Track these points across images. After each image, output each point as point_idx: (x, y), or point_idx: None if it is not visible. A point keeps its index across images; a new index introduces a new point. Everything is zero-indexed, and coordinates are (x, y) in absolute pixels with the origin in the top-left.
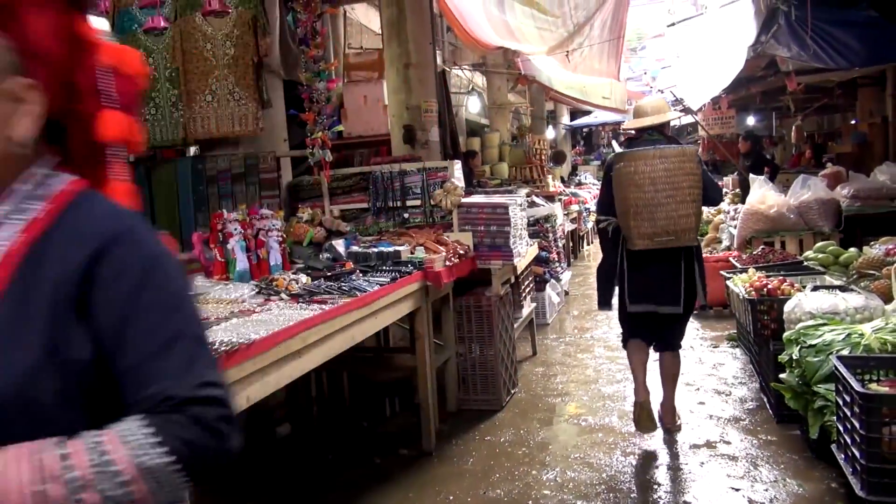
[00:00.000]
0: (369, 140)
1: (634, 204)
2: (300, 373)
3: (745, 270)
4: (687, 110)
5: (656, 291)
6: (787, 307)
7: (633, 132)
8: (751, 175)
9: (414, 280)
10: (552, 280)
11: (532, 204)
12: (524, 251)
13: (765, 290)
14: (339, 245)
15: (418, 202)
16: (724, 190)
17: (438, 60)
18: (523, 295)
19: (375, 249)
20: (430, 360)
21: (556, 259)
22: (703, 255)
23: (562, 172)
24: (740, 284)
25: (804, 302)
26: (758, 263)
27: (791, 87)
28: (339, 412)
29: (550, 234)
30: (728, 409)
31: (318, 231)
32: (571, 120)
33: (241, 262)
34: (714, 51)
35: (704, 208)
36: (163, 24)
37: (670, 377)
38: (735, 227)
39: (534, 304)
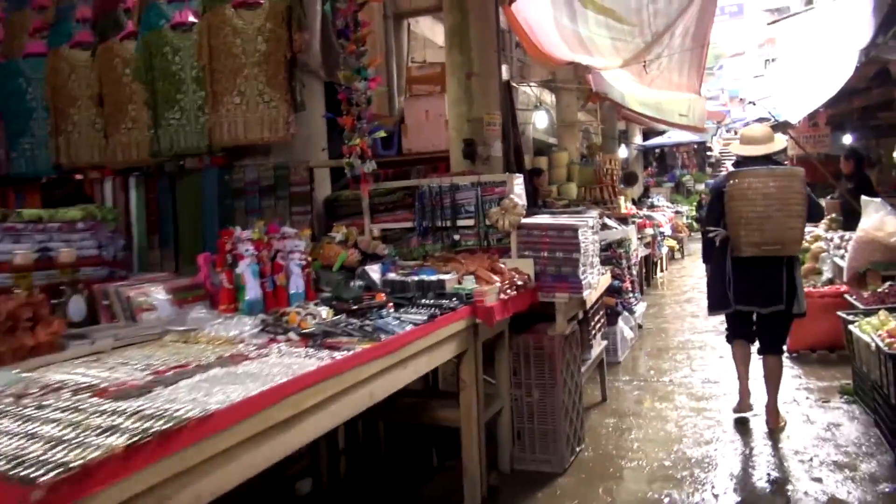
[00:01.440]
0: (429, 156)
1: (745, 216)
2: (288, 450)
3: (871, 312)
4: (779, 127)
5: (760, 294)
6: None
7: (741, 157)
8: (863, 197)
9: (460, 317)
10: (625, 312)
11: (604, 226)
12: (595, 281)
13: None
14: (374, 271)
15: (471, 222)
16: None
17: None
18: (593, 332)
19: (416, 278)
20: (477, 413)
21: (630, 289)
22: (807, 290)
23: (633, 194)
24: (871, 331)
25: None
26: (885, 303)
27: None
28: (372, 465)
29: (624, 261)
30: (856, 491)
31: (352, 254)
32: (644, 140)
33: (252, 290)
34: (818, 55)
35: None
36: (191, 18)
37: (773, 379)
38: (842, 256)
39: (604, 342)
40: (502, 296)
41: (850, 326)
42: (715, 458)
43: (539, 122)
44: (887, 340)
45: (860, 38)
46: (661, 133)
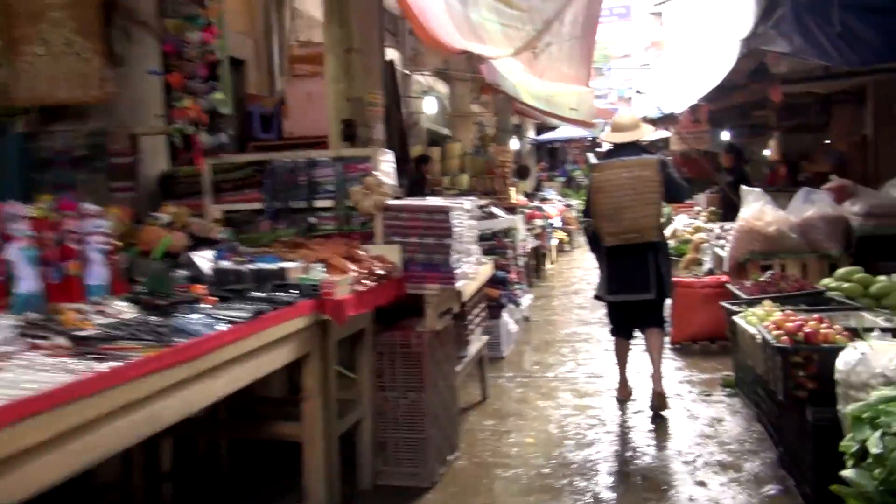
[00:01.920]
0: (313, 140)
1: (603, 207)
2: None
3: (755, 302)
4: (664, 120)
5: (631, 283)
6: (843, 363)
7: (612, 146)
8: (743, 187)
9: (299, 313)
10: (510, 305)
11: (490, 215)
12: (473, 271)
13: (800, 334)
14: (204, 259)
15: (331, 203)
16: (697, 208)
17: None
18: (471, 327)
19: (253, 266)
20: (324, 426)
21: (516, 280)
22: (689, 279)
23: (526, 187)
24: (756, 323)
25: (873, 358)
26: (767, 293)
27: (776, 97)
28: (209, 487)
29: (510, 251)
30: (741, 495)
31: (179, 238)
32: (537, 134)
33: (27, 281)
34: (702, 45)
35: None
36: None
37: (655, 349)
38: (722, 247)
39: (486, 337)
40: (358, 287)
41: (735, 318)
42: (596, 464)
43: (428, 108)
44: (775, 332)
45: (742, 28)
46: (554, 128)
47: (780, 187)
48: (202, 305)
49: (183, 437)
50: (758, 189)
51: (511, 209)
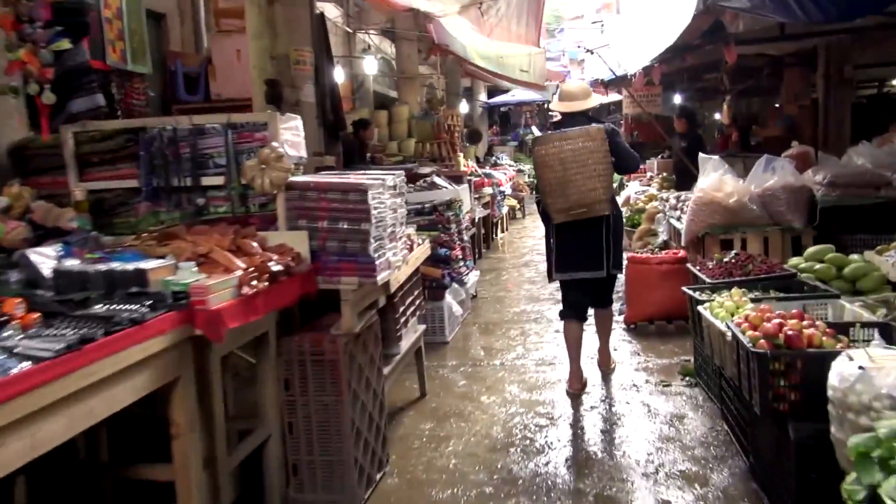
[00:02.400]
0: (242, 103)
1: (549, 183)
2: None
3: (719, 287)
4: (616, 82)
5: (582, 260)
6: (838, 378)
7: (559, 116)
8: (701, 155)
9: (154, 332)
10: (454, 285)
11: (431, 186)
12: (400, 258)
13: (781, 336)
14: (42, 257)
15: (222, 180)
16: (649, 174)
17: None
18: (404, 320)
19: (104, 268)
20: (202, 468)
21: (461, 257)
22: (644, 255)
23: (477, 152)
24: (726, 317)
25: (876, 375)
26: (733, 276)
27: (730, 58)
28: None
29: (453, 226)
30: None
31: (15, 228)
32: (489, 98)
33: None
34: (658, 2)
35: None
36: None
37: (604, 329)
38: (678, 218)
39: (422, 327)
40: (245, 290)
41: (700, 308)
42: (546, 478)
43: (369, 67)
44: (750, 333)
45: None
46: (506, 91)
47: (732, 152)
48: (11, 326)
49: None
50: (716, 157)
51: (458, 178)
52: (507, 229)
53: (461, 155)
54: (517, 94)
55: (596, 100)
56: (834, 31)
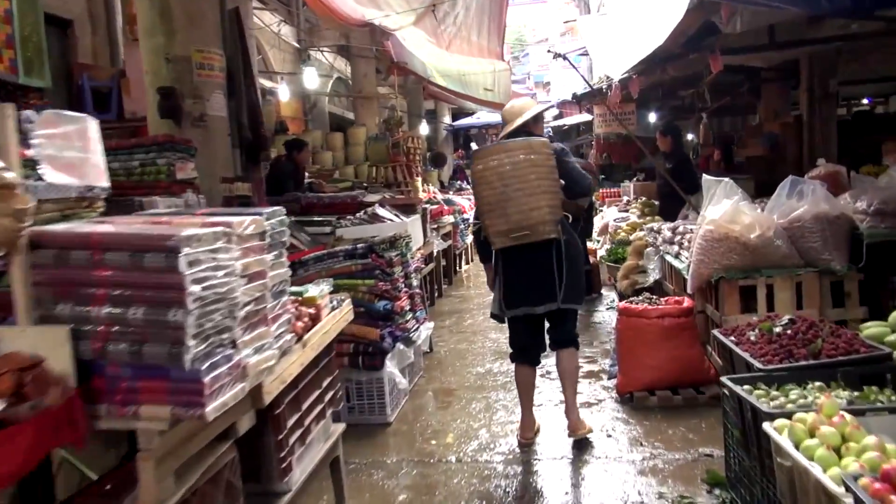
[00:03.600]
0: None
1: (487, 202)
2: None
3: (779, 380)
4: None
5: (530, 292)
6: None
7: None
8: (705, 176)
9: None
10: (399, 346)
11: (373, 218)
12: (277, 350)
13: None
14: None
15: None
16: (625, 198)
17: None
18: (297, 439)
19: None
20: None
21: (408, 308)
22: (640, 306)
23: (442, 176)
24: (828, 458)
25: None
26: (794, 358)
27: (715, 67)
28: None
29: (397, 269)
30: None
31: None
32: (454, 120)
33: None
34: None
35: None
36: None
37: (570, 378)
38: (676, 254)
39: (340, 426)
40: None
41: (771, 431)
42: None
43: (309, 81)
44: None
45: None
46: (471, 114)
47: (716, 173)
48: None
49: None
50: (726, 180)
51: (409, 207)
52: (472, 260)
53: (419, 180)
54: (482, 117)
55: (535, 108)
56: (826, 38)
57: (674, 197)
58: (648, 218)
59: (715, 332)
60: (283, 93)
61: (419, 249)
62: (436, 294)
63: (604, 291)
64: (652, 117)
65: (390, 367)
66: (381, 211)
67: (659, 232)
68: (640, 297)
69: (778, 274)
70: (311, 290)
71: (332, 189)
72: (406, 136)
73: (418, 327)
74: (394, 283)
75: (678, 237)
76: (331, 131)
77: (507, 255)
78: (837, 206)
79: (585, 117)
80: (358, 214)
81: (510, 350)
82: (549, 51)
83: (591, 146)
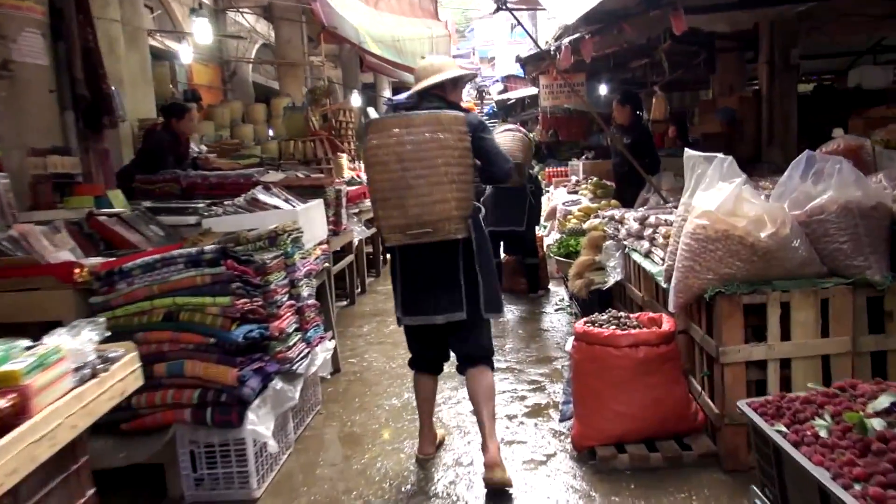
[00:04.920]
0: None
1: (381, 188)
2: None
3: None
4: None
5: (431, 299)
6: None
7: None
8: (688, 151)
9: None
10: (278, 384)
11: (252, 204)
12: None
13: None
14: None
15: None
16: (574, 178)
17: None
18: None
19: None
20: None
21: (294, 328)
22: (604, 331)
23: None
24: None
25: None
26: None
27: (678, 28)
28: None
29: (275, 276)
30: None
31: None
32: (394, 94)
33: None
34: None
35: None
36: None
37: (483, 397)
38: (646, 252)
39: None
40: None
41: None
42: None
43: (200, 34)
44: None
45: None
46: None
47: (673, 150)
48: None
49: None
50: (723, 157)
51: (318, 188)
52: None
53: (344, 157)
54: None
55: (456, 71)
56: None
57: (632, 177)
58: (604, 202)
59: (745, 409)
60: (185, 54)
61: (320, 245)
62: (356, 290)
63: (552, 286)
64: (603, 90)
65: (255, 420)
66: (263, 196)
67: (621, 222)
68: (605, 316)
69: (797, 287)
70: (15, 360)
71: (229, 165)
72: (336, 107)
73: (309, 352)
74: (268, 298)
75: (648, 230)
76: (256, 102)
77: (405, 254)
78: (873, 193)
79: (531, 91)
80: (235, 200)
81: (410, 357)
82: (491, 58)
83: (537, 121)
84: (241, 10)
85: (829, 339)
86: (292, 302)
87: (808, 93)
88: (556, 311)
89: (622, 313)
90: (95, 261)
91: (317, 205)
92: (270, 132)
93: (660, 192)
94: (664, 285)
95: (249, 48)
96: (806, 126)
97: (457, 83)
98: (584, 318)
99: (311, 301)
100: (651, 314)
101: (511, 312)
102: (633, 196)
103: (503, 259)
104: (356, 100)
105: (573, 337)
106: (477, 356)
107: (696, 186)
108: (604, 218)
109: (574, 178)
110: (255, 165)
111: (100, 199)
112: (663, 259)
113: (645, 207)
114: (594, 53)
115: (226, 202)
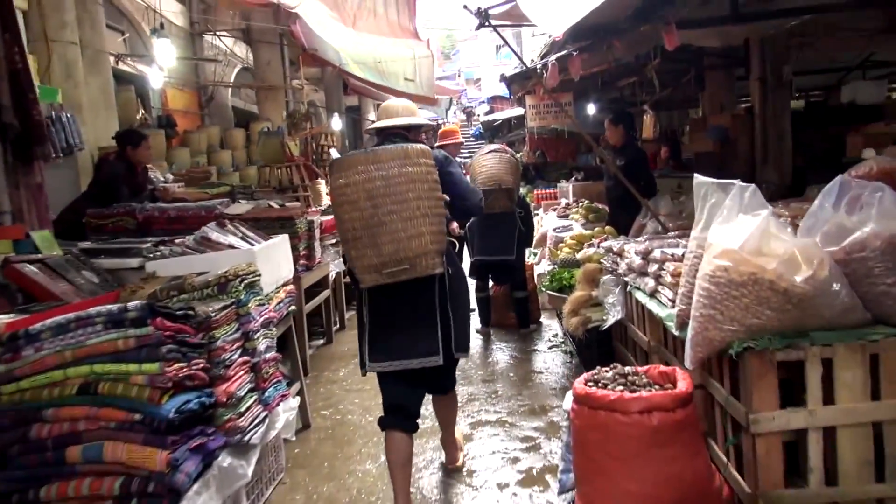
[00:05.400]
0: None
1: (352, 227)
2: None
3: None
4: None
5: (405, 341)
6: None
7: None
8: (698, 178)
9: None
10: (225, 460)
11: (202, 244)
12: None
13: None
14: None
15: None
16: (564, 201)
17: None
18: None
19: None
20: None
21: (248, 389)
22: (611, 393)
23: None
24: None
25: None
26: None
27: (670, 43)
28: None
29: (223, 330)
30: None
31: None
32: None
33: None
34: None
35: (551, 232)
36: None
37: (448, 417)
38: (652, 292)
39: None
40: None
41: None
42: None
43: (162, 55)
44: None
45: None
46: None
47: (667, 171)
48: None
49: None
50: (740, 183)
51: (287, 220)
52: None
53: (322, 183)
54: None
55: (419, 119)
56: (795, 8)
57: (627, 201)
58: (598, 229)
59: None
60: (156, 78)
61: (285, 286)
62: (334, 327)
63: (544, 318)
64: (591, 109)
65: None
66: (216, 234)
67: (621, 255)
68: (610, 373)
69: (840, 340)
70: None
71: (195, 196)
72: (316, 131)
73: (267, 416)
74: (214, 357)
75: (653, 266)
76: (235, 127)
77: (375, 295)
78: None
79: (518, 111)
80: (185, 239)
81: (380, 416)
82: (465, 7)
83: (524, 142)
84: (217, 33)
85: (882, 402)
86: (246, 358)
87: (800, 109)
88: (550, 348)
89: (628, 368)
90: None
91: (280, 241)
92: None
93: (658, 217)
94: (675, 332)
95: (228, 72)
96: (798, 144)
97: (418, 130)
98: (586, 376)
99: (271, 354)
100: (662, 367)
101: (501, 351)
102: (627, 221)
103: (491, 292)
104: (337, 123)
105: (572, 397)
106: (447, 387)
107: (711, 219)
108: (600, 248)
109: (564, 201)
110: (224, 195)
111: (20, 242)
112: (672, 301)
113: (644, 236)
114: (582, 72)
115: (177, 240)
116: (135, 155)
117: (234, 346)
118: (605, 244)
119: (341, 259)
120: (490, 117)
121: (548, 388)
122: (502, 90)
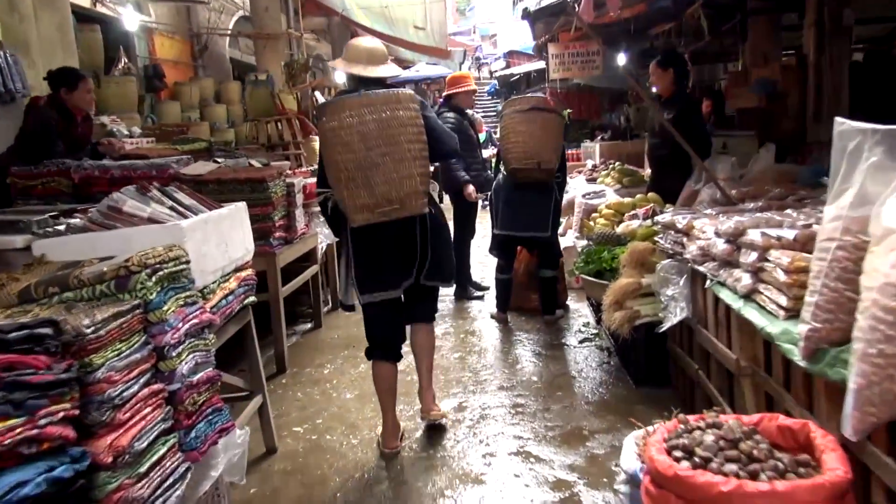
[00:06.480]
0: None
1: (345, 168)
2: None
3: None
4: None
5: (389, 275)
6: None
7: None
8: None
9: None
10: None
11: (110, 215)
12: None
13: None
14: None
15: None
16: (590, 163)
17: None
18: None
19: None
20: None
21: (167, 428)
22: (724, 481)
23: None
24: None
25: None
26: None
27: None
28: None
29: (103, 358)
30: None
31: None
32: None
33: None
34: None
35: (580, 198)
36: None
37: (423, 351)
38: (749, 293)
39: None
40: None
41: None
42: None
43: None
44: None
45: None
46: (408, 67)
47: (709, 129)
48: None
49: None
50: None
51: (257, 182)
52: None
53: (317, 140)
54: (421, 69)
55: (389, 70)
56: None
57: (676, 163)
58: (639, 196)
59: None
60: (130, 20)
61: (239, 271)
62: (324, 308)
63: (571, 301)
64: (622, 59)
65: None
66: (132, 202)
67: (687, 233)
68: (710, 438)
69: None
70: None
71: (163, 152)
72: (318, 83)
73: (187, 469)
74: (90, 394)
75: (751, 255)
76: (235, 80)
77: (364, 231)
78: None
79: (537, 65)
80: (93, 209)
81: (368, 346)
82: (492, 35)
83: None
84: None
85: None
86: (156, 387)
87: (858, 61)
88: (582, 342)
89: (733, 423)
90: None
91: (233, 211)
92: None
93: (717, 182)
94: (801, 362)
95: (226, 20)
96: (856, 99)
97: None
98: (663, 432)
99: (204, 374)
100: (784, 420)
101: (521, 345)
102: (673, 187)
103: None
104: (341, 76)
105: (636, 459)
106: (426, 317)
107: (878, 188)
108: (647, 222)
109: (590, 163)
110: (198, 152)
111: None
112: (786, 309)
113: (699, 205)
114: (620, 10)
115: (84, 212)
116: (71, 99)
117: (133, 374)
118: (661, 218)
119: (319, 203)
120: (507, 72)
121: (582, 400)
122: (520, 44)
